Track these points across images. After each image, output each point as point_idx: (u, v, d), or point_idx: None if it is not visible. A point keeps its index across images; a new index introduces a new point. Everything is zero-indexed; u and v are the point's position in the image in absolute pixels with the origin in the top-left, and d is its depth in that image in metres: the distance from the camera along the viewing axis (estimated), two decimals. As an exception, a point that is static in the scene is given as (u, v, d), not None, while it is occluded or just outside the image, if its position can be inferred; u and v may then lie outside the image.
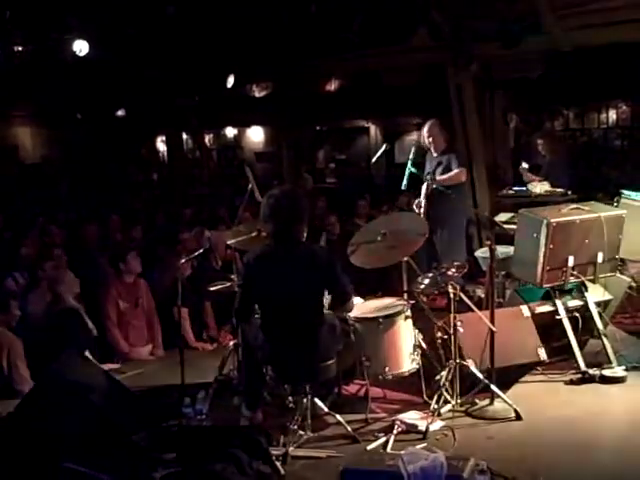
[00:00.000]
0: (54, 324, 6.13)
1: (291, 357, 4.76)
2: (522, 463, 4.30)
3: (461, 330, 5.21)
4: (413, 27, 9.13)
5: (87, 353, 5.91)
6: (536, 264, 5.71)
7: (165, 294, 7.11)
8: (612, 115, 13.88)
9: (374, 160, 9.42)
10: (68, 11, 9.38)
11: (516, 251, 6.14)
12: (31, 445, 4.29)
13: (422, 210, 7.06)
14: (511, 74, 9.34)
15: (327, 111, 15.31)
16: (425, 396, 5.27)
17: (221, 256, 7.64)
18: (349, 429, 4.82)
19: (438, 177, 7.04)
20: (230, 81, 12.25)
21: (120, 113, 16.28)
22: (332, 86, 13.33)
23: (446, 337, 5.38)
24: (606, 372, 5.50)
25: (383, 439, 4.71)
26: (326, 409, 4.97)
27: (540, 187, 8.32)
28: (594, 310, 5.81)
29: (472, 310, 5.44)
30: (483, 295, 6.69)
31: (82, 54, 9.87)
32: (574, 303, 5.92)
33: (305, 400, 4.88)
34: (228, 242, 6.12)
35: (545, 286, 5.84)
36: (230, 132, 19.96)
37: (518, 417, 4.93)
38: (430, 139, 7.34)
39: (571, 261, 5.72)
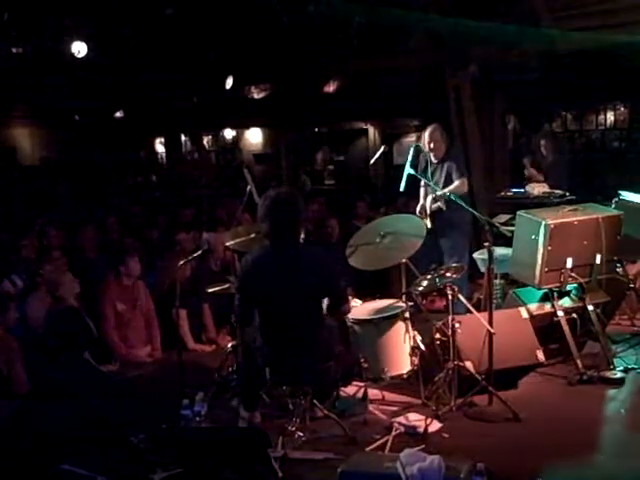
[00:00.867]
0: (54, 325, 6.12)
1: (290, 359, 4.76)
2: (520, 465, 4.30)
3: (459, 332, 5.21)
4: (412, 29, 9.14)
5: (87, 354, 5.90)
6: (534, 266, 5.72)
7: (164, 296, 7.10)
8: (610, 117, 13.91)
9: (372, 162, 9.43)
10: (66, 12, 9.38)
11: (514, 253, 6.14)
12: (29, 447, 4.28)
13: (428, 213, 7.07)
14: (509, 76, 9.35)
15: (326, 113, 15.31)
16: (423, 398, 5.27)
17: (220, 258, 7.64)
18: (347, 431, 4.82)
19: (438, 192, 6.96)
20: (229, 83, 12.27)
21: (118, 115, 16.29)
22: (331, 88, 13.33)
23: (444, 339, 5.38)
24: (604, 374, 5.51)
25: (381, 441, 4.71)
26: (325, 411, 4.97)
27: (538, 189, 8.33)
28: (592, 312, 5.81)
29: (470, 312, 5.45)
30: (482, 297, 6.69)
31: (80, 56, 9.88)
32: (572, 305, 5.93)
33: (303, 402, 4.89)
34: (227, 244, 6.12)
35: (543, 287, 5.85)
36: (229, 134, 19.96)
37: (516, 419, 4.94)
38: (432, 145, 7.18)
39: (569, 263, 5.72)
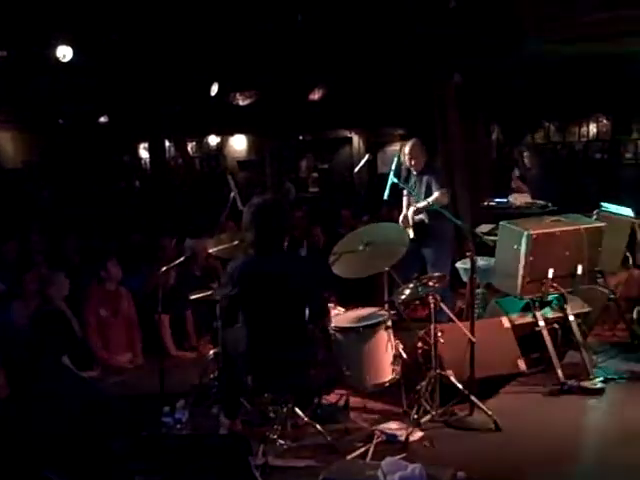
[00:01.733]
0: (35, 328, 6.07)
1: (272, 366, 4.75)
2: (501, 473, 4.32)
3: (441, 341, 5.23)
4: (397, 39, 9.17)
5: (66, 360, 5.86)
6: (516, 275, 5.75)
7: (146, 301, 7.07)
8: (593, 129, 14.02)
9: (357, 170, 9.46)
10: (52, 16, 9.34)
11: (497, 262, 6.17)
12: (9, 453, 4.24)
13: (410, 223, 7.09)
14: (493, 86, 9.41)
15: (310, 121, 15.33)
16: (405, 406, 5.27)
17: (202, 264, 7.62)
18: (329, 439, 4.81)
19: (419, 204, 7.03)
20: (214, 89, 12.27)
21: (103, 119, 16.23)
22: (316, 96, 13.36)
23: (427, 347, 5.39)
24: (585, 384, 5.53)
25: (363, 449, 4.70)
26: (306, 418, 4.95)
27: (521, 199, 8.38)
28: (573, 322, 5.84)
29: (453, 321, 5.46)
30: (464, 306, 6.71)
31: (66, 60, 9.84)
32: (554, 315, 5.95)
33: (285, 409, 4.88)
34: (210, 250, 6.11)
35: (525, 297, 5.88)
36: (213, 140, 19.93)
37: (497, 428, 4.94)
38: (412, 161, 7.27)
39: (551, 273, 5.76)
